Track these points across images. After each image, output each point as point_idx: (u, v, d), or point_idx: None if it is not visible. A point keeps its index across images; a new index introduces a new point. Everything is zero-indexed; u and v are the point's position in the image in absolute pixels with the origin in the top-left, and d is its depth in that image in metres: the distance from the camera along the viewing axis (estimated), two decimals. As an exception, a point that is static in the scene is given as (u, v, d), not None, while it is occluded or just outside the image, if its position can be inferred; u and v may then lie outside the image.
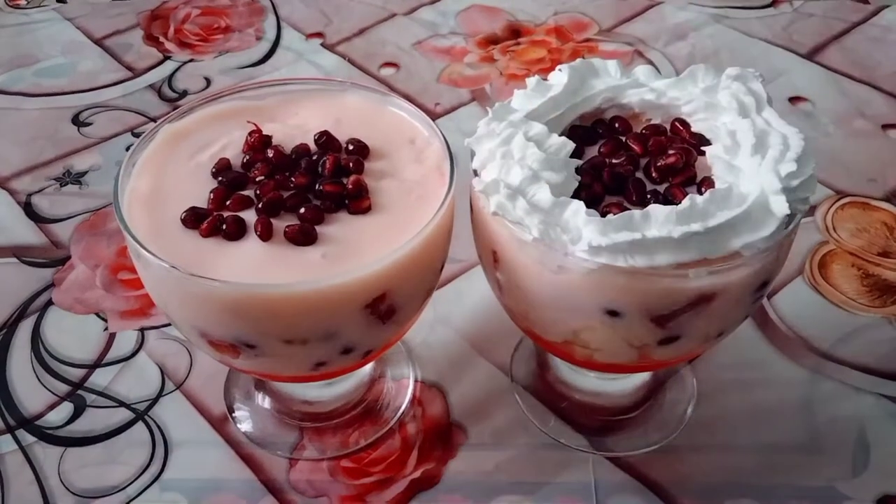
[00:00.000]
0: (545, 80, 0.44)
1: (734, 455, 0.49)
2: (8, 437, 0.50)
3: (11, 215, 0.65)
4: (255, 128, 0.43)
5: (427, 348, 0.55)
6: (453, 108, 0.75)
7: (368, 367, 0.53)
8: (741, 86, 0.42)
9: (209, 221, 0.38)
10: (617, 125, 0.44)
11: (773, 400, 0.51)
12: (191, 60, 0.81)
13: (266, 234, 0.38)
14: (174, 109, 0.41)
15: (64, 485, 0.47)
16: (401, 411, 0.51)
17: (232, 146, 0.43)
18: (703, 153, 0.41)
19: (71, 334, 0.56)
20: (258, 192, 0.40)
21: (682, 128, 0.43)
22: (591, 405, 0.52)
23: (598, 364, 0.44)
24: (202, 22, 0.87)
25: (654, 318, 0.38)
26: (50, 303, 0.58)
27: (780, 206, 0.36)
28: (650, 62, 0.81)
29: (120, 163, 0.41)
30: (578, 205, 0.37)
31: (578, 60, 0.45)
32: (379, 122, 0.45)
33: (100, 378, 0.53)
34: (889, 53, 0.82)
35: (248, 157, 0.42)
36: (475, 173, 0.41)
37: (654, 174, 0.40)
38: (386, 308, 0.39)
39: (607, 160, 0.41)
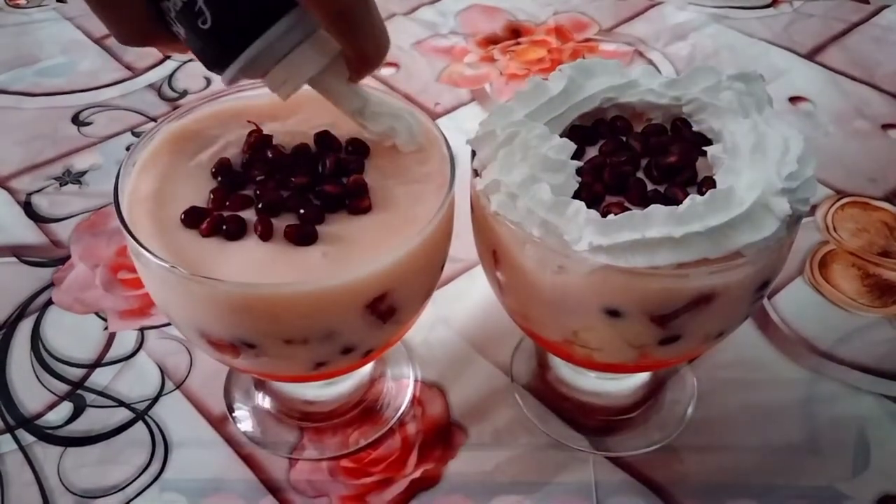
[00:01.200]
0: (545, 80, 0.44)
1: (734, 455, 0.49)
2: (7, 436, 0.50)
3: (11, 215, 0.65)
4: (255, 127, 0.43)
5: (427, 348, 0.55)
6: (453, 108, 0.75)
7: (368, 367, 0.53)
8: (742, 86, 0.42)
9: (209, 221, 0.38)
10: (618, 125, 0.44)
11: (773, 400, 0.51)
12: (191, 60, 0.81)
13: (266, 234, 0.38)
14: (174, 109, 0.41)
15: (63, 485, 0.47)
16: (401, 411, 0.51)
17: (232, 146, 0.43)
18: (703, 153, 0.41)
19: (71, 334, 0.56)
20: (258, 191, 0.40)
21: (682, 128, 0.43)
22: (592, 405, 0.52)
23: (599, 364, 0.44)
24: (202, 21, 0.86)
25: (655, 318, 0.38)
26: (50, 302, 0.58)
27: (781, 207, 0.36)
28: (650, 62, 0.81)
29: (120, 162, 0.41)
30: (579, 205, 0.37)
31: (579, 60, 0.45)
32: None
33: (100, 378, 0.53)
34: (889, 53, 0.82)
35: (248, 156, 0.42)
36: (475, 173, 0.41)
37: (654, 174, 0.40)
38: (386, 308, 0.39)
39: (608, 160, 0.41)
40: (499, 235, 0.40)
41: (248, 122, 0.44)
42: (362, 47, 0.35)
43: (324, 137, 0.43)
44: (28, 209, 0.65)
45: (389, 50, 0.37)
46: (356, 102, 0.39)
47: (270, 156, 0.42)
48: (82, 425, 0.50)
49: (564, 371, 0.52)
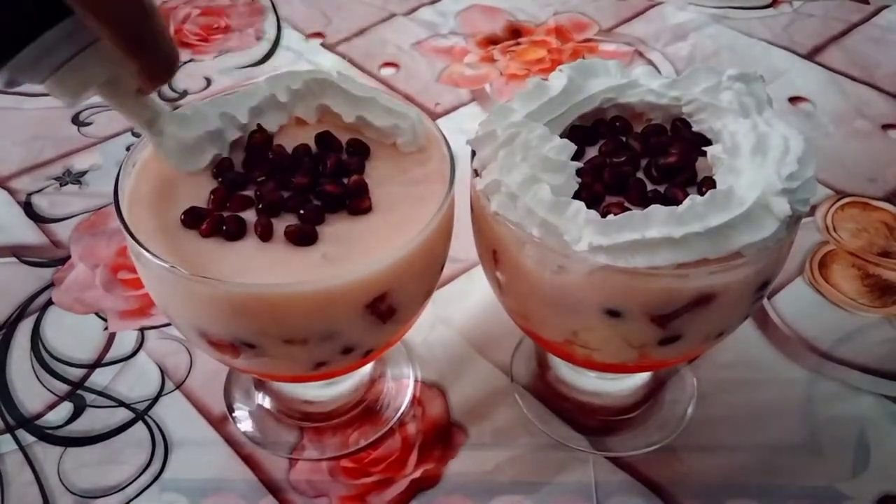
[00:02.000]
0: (545, 80, 0.44)
1: (734, 455, 0.49)
2: (8, 436, 0.50)
3: (11, 215, 0.65)
4: (255, 127, 0.43)
5: (427, 348, 0.55)
6: (453, 108, 0.75)
7: (368, 367, 0.53)
8: (742, 86, 0.42)
9: (209, 221, 0.38)
10: (618, 125, 0.44)
11: (773, 400, 0.51)
12: (191, 60, 0.81)
13: (266, 235, 0.38)
14: (174, 109, 0.41)
15: (64, 485, 0.47)
16: (401, 411, 0.51)
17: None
18: (703, 153, 0.41)
19: (71, 334, 0.56)
20: (258, 192, 0.40)
21: (682, 128, 0.43)
22: (591, 405, 0.52)
23: (598, 364, 0.44)
24: (202, 22, 0.87)
25: (655, 318, 0.38)
26: (50, 302, 0.58)
27: (781, 207, 0.36)
28: (650, 62, 0.81)
29: (120, 163, 0.41)
30: (579, 205, 0.37)
31: (579, 60, 0.45)
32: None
33: (100, 378, 0.53)
34: (889, 54, 0.82)
35: (248, 156, 0.42)
36: (476, 173, 0.41)
37: (654, 174, 0.40)
38: (386, 308, 0.39)
39: (608, 160, 0.41)
40: (499, 235, 0.40)
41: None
42: (146, 61, 0.33)
43: (324, 138, 0.43)
44: (28, 209, 0.65)
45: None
46: (144, 114, 0.38)
47: (271, 156, 0.42)
48: (82, 425, 0.50)
49: (564, 371, 0.52)
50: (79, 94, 0.35)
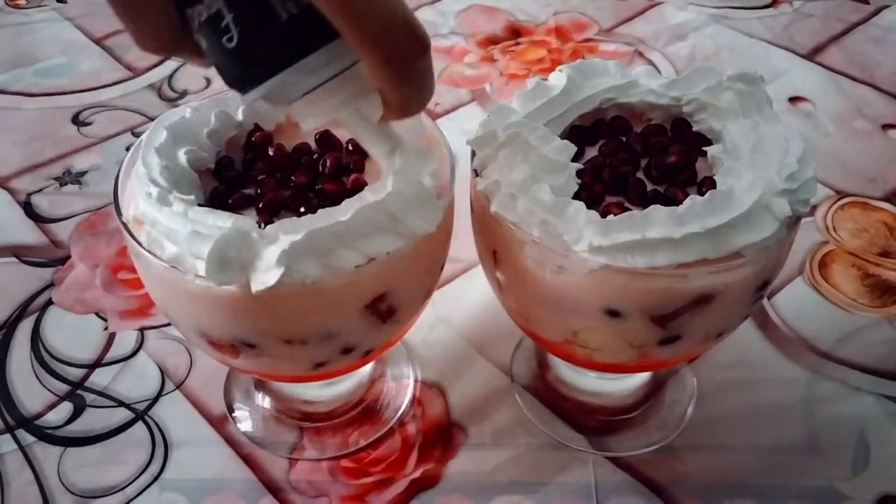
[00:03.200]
0: (545, 80, 0.44)
1: (734, 455, 0.49)
2: (7, 436, 0.50)
3: (11, 215, 0.65)
4: (252, 126, 0.43)
5: (427, 348, 0.55)
6: (453, 108, 0.75)
7: (368, 367, 0.53)
8: (742, 86, 0.42)
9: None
10: (618, 125, 0.44)
11: (773, 400, 0.51)
12: (191, 60, 0.81)
13: (266, 234, 0.38)
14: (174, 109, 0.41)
15: (63, 485, 0.47)
16: (401, 411, 0.51)
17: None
18: (703, 153, 0.41)
19: (71, 334, 0.56)
20: (258, 191, 0.40)
21: (682, 128, 0.43)
22: (591, 405, 0.52)
23: (598, 364, 0.44)
24: (202, 22, 0.87)
25: (655, 318, 0.38)
26: (50, 302, 0.58)
27: (781, 208, 0.36)
28: (650, 62, 0.81)
29: (120, 162, 0.41)
30: (579, 205, 0.37)
31: (579, 60, 0.45)
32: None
33: (99, 378, 0.53)
34: (889, 54, 0.82)
35: (248, 156, 0.42)
36: (476, 173, 0.41)
37: (654, 174, 0.40)
38: (386, 308, 0.39)
39: (608, 160, 0.41)
40: (499, 235, 0.40)
41: (249, 121, 0.44)
42: (406, 97, 0.32)
43: (324, 137, 0.43)
44: (28, 209, 0.65)
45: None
46: (385, 146, 0.35)
47: (271, 154, 0.42)
48: (82, 425, 0.50)
49: (564, 371, 0.52)
50: (324, 118, 0.33)
